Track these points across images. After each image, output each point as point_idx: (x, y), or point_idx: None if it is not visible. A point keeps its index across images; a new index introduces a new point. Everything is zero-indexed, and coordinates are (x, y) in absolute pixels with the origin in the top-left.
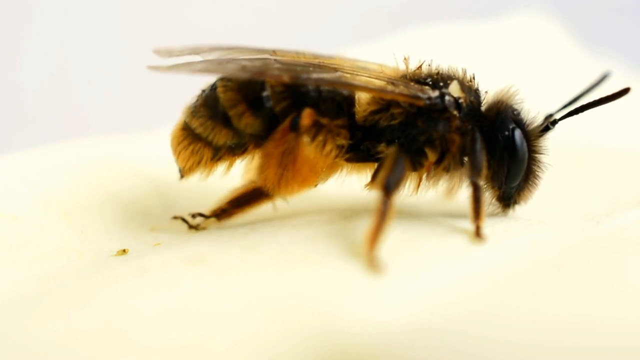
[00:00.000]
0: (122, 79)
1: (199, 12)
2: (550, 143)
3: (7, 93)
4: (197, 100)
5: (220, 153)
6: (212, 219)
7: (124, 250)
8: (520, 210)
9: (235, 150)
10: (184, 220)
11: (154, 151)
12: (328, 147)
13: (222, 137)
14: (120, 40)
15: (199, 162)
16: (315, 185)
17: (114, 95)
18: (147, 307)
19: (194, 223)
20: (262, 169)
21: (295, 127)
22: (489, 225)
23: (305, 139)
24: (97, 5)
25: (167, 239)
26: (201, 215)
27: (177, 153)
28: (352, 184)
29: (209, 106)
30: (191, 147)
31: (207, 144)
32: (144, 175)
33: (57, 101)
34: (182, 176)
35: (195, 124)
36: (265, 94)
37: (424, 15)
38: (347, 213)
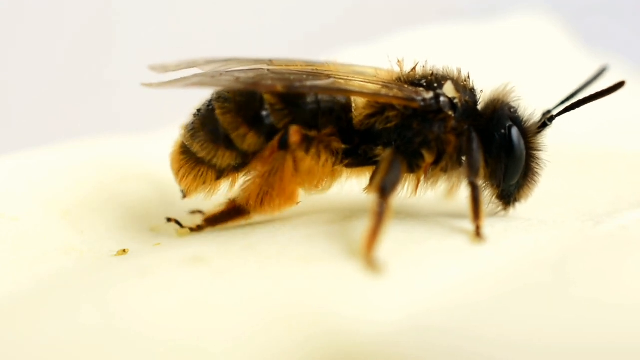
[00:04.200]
0: (123, 79)
1: (200, 12)
2: (550, 143)
3: (8, 93)
4: (194, 122)
5: (224, 173)
6: (185, 231)
7: (124, 250)
8: (520, 210)
9: (239, 168)
10: (177, 222)
11: (154, 152)
12: (323, 157)
13: (226, 160)
14: (121, 41)
15: (202, 184)
16: (297, 203)
17: (114, 96)
18: (146, 307)
19: (187, 225)
20: (246, 186)
21: (284, 145)
22: (488, 226)
23: (300, 154)
24: (99, 6)
25: (167, 239)
26: (177, 222)
27: (180, 177)
28: (352, 184)
29: (209, 130)
30: (194, 172)
31: (211, 166)
32: (144, 175)
33: (57, 101)
34: (184, 196)
35: (196, 147)
36: (264, 111)
37: (423, 15)
38: (347, 213)
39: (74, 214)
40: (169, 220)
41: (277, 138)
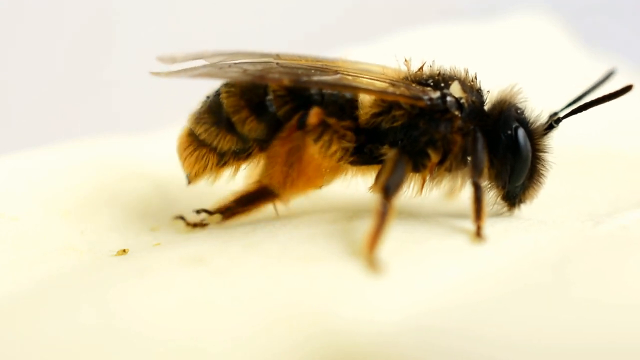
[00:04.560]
0: (124, 79)
1: (200, 12)
2: (551, 144)
3: (8, 93)
4: (202, 107)
5: (225, 158)
6: (216, 217)
7: (124, 250)
8: (524, 211)
9: (240, 155)
10: (182, 219)
11: (154, 152)
12: (333, 148)
13: (226, 143)
14: (121, 41)
15: (204, 168)
16: (321, 187)
17: (115, 96)
18: (146, 307)
19: (197, 220)
20: (269, 167)
21: (302, 125)
22: (489, 226)
23: (310, 137)
24: (99, 6)
25: (167, 239)
26: (205, 211)
27: (183, 159)
28: (356, 184)
29: (213, 112)
30: (196, 153)
31: (212, 149)
32: (144, 175)
33: (57, 101)
34: (189, 182)
35: (199, 130)
36: (268, 98)
37: (423, 15)
38: (349, 213)
39: (74, 214)
40: (198, 212)
41: (296, 117)
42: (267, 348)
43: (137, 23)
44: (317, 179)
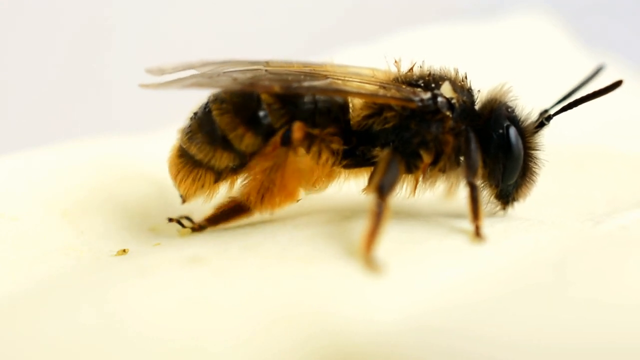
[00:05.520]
0: (124, 79)
1: (199, 12)
2: (550, 144)
3: (8, 93)
4: (191, 125)
5: (223, 175)
6: (188, 230)
7: (124, 250)
8: (520, 210)
9: (237, 169)
10: (179, 222)
11: (154, 152)
12: (324, 156)
13: (223, 161)
14: (121, 41)
15: (201, 187)
16: (297, 201)
17: (114, 96)
18: (146, 307)
19: (188, 225)
20: (247, 182)
21: (286, 142)
22: (488, 226)
23: (300, 151)
24: (99, 6)
25: (167, 239)
26: (179, 223)
27: (178, 182)
28: (351, 185)
29: (206, 131)
30: (192, 175)
31: (209, 169)
32: (144, 175)
33: (57, 101)
34: (183, 201)
35: (193, 150)
36: (262, 111)
37: (423, 15)
38: (347, 213)
39: (74, 214)
40: (171, 220)
41: (279, 134)
42: (267, 348)
43: (136, 23)
44: (296, 193)
